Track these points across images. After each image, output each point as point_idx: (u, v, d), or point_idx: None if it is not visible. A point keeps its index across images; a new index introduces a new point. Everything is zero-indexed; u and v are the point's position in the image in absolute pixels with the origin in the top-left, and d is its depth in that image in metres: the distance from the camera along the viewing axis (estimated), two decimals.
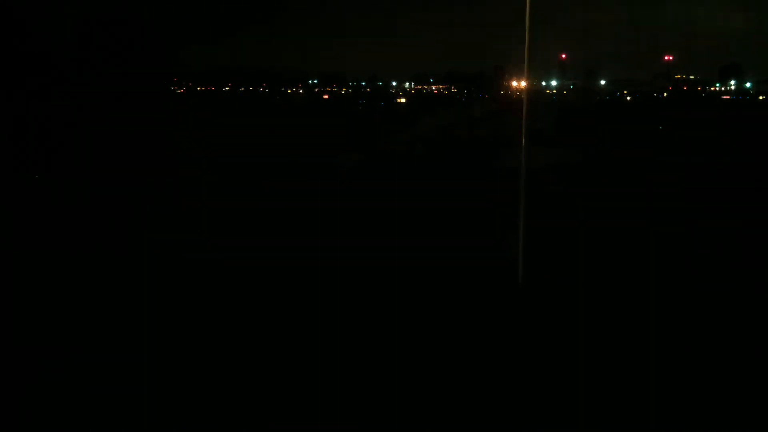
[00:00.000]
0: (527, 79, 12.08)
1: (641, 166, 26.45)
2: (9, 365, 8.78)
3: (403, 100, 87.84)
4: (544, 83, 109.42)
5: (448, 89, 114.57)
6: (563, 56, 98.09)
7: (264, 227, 16.20)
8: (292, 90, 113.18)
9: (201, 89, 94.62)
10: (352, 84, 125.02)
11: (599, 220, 16.44)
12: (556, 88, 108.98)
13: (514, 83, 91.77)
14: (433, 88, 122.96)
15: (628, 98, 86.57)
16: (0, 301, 11.09)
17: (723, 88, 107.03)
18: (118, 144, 22.77)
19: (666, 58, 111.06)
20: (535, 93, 73.15)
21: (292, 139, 34.13)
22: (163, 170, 21.51)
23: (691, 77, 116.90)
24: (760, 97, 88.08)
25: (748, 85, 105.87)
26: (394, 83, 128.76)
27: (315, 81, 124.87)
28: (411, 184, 21.54)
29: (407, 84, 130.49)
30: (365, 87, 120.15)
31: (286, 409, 7.80)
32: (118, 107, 24.01)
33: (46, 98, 23.80)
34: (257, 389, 8.20)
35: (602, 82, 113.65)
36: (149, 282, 11.93)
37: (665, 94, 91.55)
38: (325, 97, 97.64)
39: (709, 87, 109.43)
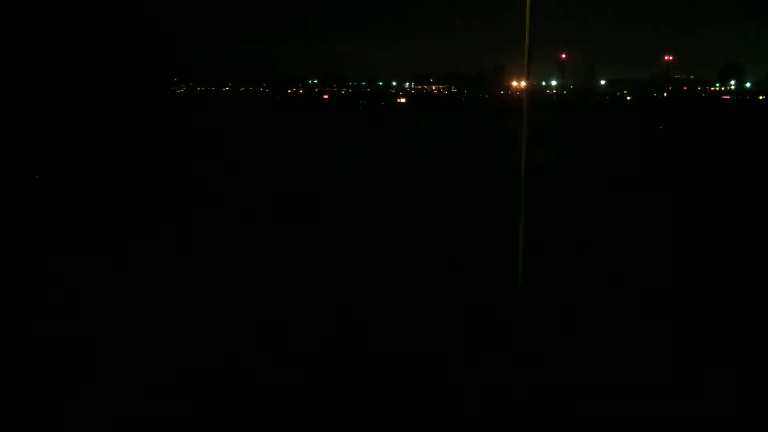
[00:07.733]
0: (527, 79, 12.07)
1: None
2: None
3: (403, 100, 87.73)
4: (544, 83, 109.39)
5: (448, 89, 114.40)
6: (563, 56, 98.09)
7: None
8: (292, 90, 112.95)
9: (201, 89, 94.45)
10: (352, 84, 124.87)
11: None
12: (556, 88, 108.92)
13: (514, 83, 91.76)
14: (433, 88, 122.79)
15: (628, 98, 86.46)
16: None
17: (723, 88, 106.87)
18: (117, 144, 22.75)
19: (666, 58, 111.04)
20: (535, 93, 73.10)
21: (292, 139, 34.07)
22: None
23: (691, 77, 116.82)
24: (760, 97, 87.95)
25: (748, 85, 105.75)
26: (394, 83, 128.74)
27: (315, 81, 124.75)
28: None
29: (407, 84, 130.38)
30: (365, 87, 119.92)
31: None
32: (118, 107, 24.00)
33: (46, 98, 23.79)
34: None
35: (602, 82, 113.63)
36: None
37: (665, 94, 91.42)
38: (325, 97, 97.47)
39: (709, 87, 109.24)
